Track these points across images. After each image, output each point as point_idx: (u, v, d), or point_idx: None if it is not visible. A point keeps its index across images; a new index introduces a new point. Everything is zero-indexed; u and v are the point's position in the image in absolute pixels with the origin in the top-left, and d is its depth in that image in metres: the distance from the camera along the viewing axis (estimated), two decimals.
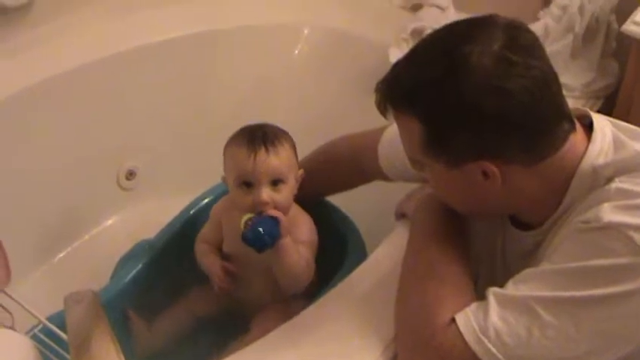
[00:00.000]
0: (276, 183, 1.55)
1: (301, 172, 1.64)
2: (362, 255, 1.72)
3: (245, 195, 1.56)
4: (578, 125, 1.18)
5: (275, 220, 1.51)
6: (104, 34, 2.20)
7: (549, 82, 1.11)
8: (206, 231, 1.76)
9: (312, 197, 1.75)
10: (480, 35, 1.10)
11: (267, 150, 1.54)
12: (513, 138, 1.11)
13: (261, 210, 1.53)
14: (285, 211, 1.57)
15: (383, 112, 1.20)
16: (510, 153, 1.12)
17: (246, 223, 1.52)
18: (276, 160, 1.54)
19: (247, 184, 1.56)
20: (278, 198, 1.55)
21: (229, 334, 1.68)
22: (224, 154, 1.61)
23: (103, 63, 2.14)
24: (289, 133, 1.64)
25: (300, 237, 1.62)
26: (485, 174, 1.14)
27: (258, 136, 1.56)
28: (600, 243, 1.07)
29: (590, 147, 1.15)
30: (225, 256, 1.71)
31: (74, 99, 2.10)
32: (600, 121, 1.20)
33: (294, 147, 1.62)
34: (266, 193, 1.53)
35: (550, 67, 1.13)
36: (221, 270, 1.67)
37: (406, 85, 1.15)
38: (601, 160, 1.14)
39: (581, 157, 1.15)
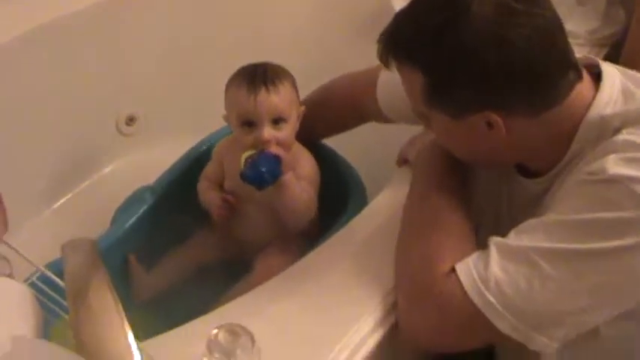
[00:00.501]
0: (277, 121, 1.56)
1: (302, 108, 1.65)
2: (363, 201, 1.71)
3: (247, 134, 1.57)
4: (585, 74, 1.17)
5: (276, 158, 1.53)
6: None
7: (554, 31, 1.09)
8: (209, 169, 1.77)
9: (311, 138, 1.75)
10: None
11: (267, 89, 1.55)
12: (516, 88, 1.09)
13: (263, 148, 1.54)
14: (287, 148, 1.59)
15: (385, 63, 1.19)
16: (514, 103, 1.11)
17: (246, 160, 1.54)
18: (277, 98, 1.55)
19: (249, 124, 1.57)
20: (280, 135, 1.56)
21: (232, 279, 1.67)
22: (225, 93, 1.62)
23: (99, 7, 2.12)
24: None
25: (302, 173, 1.64)
26: (489, 124, 1.13)
27: (258, 75, 1.57)
28: (604, 196, 1.06)
29: (598, 96, 1.14)
30: (227, 194, 1.72)
31: (71, 45, 2.08)
32: (609, 71, 1.18)
33: (295, 85, 1.62)
34: (267, 132, 1.55)
35: (555, 15, 1.11)
36: (220, 200, 1.69)
37: (407, 36, 1.14)
38: (609, 110, 1.13)
39: (589, 106, 1.14)
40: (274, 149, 1.54)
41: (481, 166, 1.35)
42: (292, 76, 1.63)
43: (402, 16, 1.17)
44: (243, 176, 1.52)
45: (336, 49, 2.30)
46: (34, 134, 2.02)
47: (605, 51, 1.95)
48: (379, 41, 1.18)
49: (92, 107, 2.18)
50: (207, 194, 1.73)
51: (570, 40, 1.81)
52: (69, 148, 2.15)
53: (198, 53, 2.32)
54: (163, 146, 2.19)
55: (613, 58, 1.91)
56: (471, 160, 1.30)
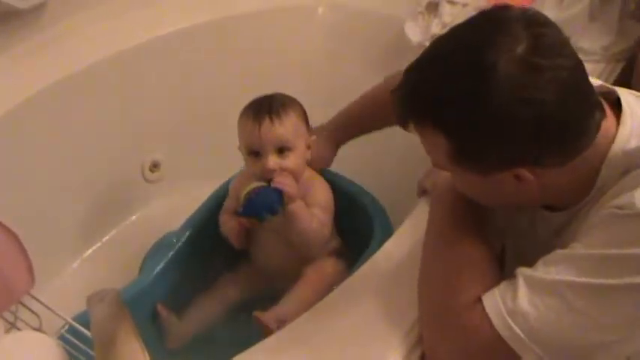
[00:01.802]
0: (282, 150, 1.61)
1: (313, 137, 1.70)
2: (388, 232, 1.70)
3: (254, 163, 1.63)
4: (606, 106, 1.14)
5: (276, 192, 1.57)
6: (116, 29, 2.20)
7: (579, 80, 1.06)
8: (227, 203, 1.81)
9: (354, 135, 1.83)
10: (500, 37, 1.03)
11: (271, 119, 1.60)
12: (548, 144, 1.05)
13: (269, 177, 1.60)
14: (295, 176, 1.63)
15: (403, 125, 1.15)
16: (546, 158, 1.08)
17: (247, 192, 1.59)
18: (281, 128, 1.61)
19: (255, 153, 1.62)
20: (285, 164, 1.62)
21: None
22: (237, 125, 1.66)
23: (118, 58, 2.14)
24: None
25: (314, 199, 1.69)
26: (517, 177, 1.10)
27: (264, 107, 1.63)
28: (635, 231, 1.03)
29: (621, 130, 1.11)
30: None
31: (92, 96, 2.10)
32: (628, 99, 1.16)
33: (302, 114, 1.68)
34: (272, 161, 1.61)
35: (577, 61, 1.07)
36: (236, 224, 1.73)
37: (428, 100, 1.09)
38: (633, 143, 1.11)
39: (612, 141, 1.11)
40: (278, 180, 1.58)
41: (501, 208, 1.34)
42: (301, 106, 1.69)
43: (417, 75, 1.11)
44: (238, 212, 1.61)
45: (350, 80, 2.29)
46: (61, 186, 2.04)
47: (621, 66, 1.93)
48: (394, 101, 1.14)
49: (117, 157, 2.20)
50: (227, 225, 1.77)
51: (585, 57, 1.78)
52: (96, 198, 2.17)
53: (215, 96, 2.33)
54: (187, 190, 2.20)
55: (628, 72, 1.91)
56: (494, 206, 1.29)
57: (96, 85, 2.10)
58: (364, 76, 2.22)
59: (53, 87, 2.00)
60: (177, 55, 2.27)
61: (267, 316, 1.56)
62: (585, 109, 1.07)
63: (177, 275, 1.78)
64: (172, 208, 2.16)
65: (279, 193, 1.57)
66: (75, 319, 1.32)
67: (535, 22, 1.06)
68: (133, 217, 2.28)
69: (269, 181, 1.59)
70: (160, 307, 1.72)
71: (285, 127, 1.61)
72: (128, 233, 2.23)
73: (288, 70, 2.42)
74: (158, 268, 1.76)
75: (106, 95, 2.13)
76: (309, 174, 1.72)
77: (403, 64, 1.15)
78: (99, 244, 2.18)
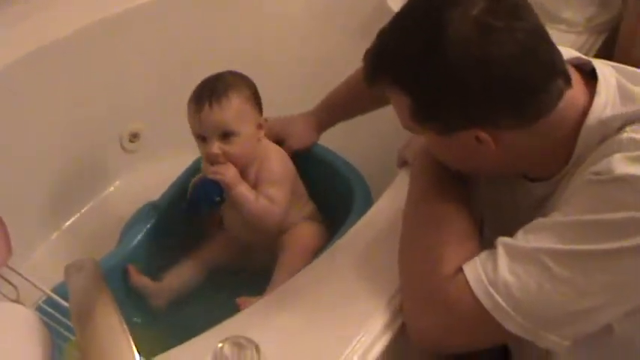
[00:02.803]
0: (226, 136, 1.60)
1: (265, 117, 1.68)
2: (369, 202, 1.70)
3: (202, 148, 1.63)
4: (577, 76, 1.15)
5: (213, 184, 1.60)
6: None
7: (536, 43, 1.07)
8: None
9: (338, 119, 1.83)
10: (458, 1, 1.05)
11: (210, 105, 1.59)
12: (501, 105, 1.08)
13: (214, 162, 1.61)
14: (241, 160, 1.63)
15: (370, 83, 1.18)
16: (500, 119, 1.10)
17: (189, 188, 1.64)
18: (220, 114, 1.59)
19: (202, 138, 1.62)
20: (229, 150, 1.61)
21: (245, 281, 1.72)
22: None
23: (99, 26, 2.11)
24: (249, 79, 1.69)
25: (265, 175, 1.68)
26: (478, 139, 1.12)
27: (205, 91, 1.62)
28: (612, 196, 1.04)
29: (596, 99, 1.12)
30: None
31: (72, 64, 2.07)
32: (603, 70, 1.17)
33: (249, 96, 1.65)
34: (215, 146, 1.60)
35: (537, 25, 1.09)
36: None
37: (389, 58, 1.13)
38: (608, 112, 1.11)
39: (585, 110, 1.12)
40: (213, 170, 1.60)
41: (479, 176, 1.35)
42: (249, 87, 1.66)
43: (384, 36, 1.15)
44: (185, 209, 1.64)
45: (332, 50, 2.29)
46: (37, 157, 2.02)
47: (603, 37, 1.93)
48: (364, 60, 1.17)
49: (95, 126, 2.17)
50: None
51: (568, 28, 1.80)
52: (74, 169, 2.14)
53: (196, 66, 2.27)
54: (167, 161, 2.18)
55: (610, 44, 1.90)
56: (465, 171, 1.29)
57: (72, 55, 2.07)
58: (346, 47, 2.21)
59: (29, 57, 1.97)
60: (156, 24, 2.23)
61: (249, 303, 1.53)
62: (542, 73, 1.08)
63: (156, 245, 1.78)
64: (152, 178, 2.14)
65: (217, 183, 1.58)
66: (53, 290, 1.31)
67: None
68: (112, 188, 2.25)
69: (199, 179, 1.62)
70: (132, 272, 1.72)
71: (225, 113, 1.59)
72: (107, 204, 2.21)
73: (268, 42, 2.40)
74: (136, 239, 1.76)
75: (82, 65, 2.10)
76: (264, 149, 1.70)
77: None
78: (77, 215, 2.15)
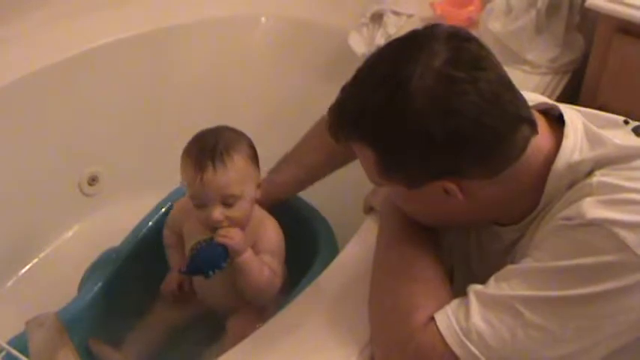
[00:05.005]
0: (229, 199, 1.50)
1: (263, 177, 1.61)
2: (333, 248, 1.69)
3: (200, 212, 1.52)
4: (543, 121, 1.16)
5: (221, 248, 1.49)
6: (56, 38, 2.16)
7: (499, 92, 1.06)
8: (170, 220, 1.74)
9: (321, 176, 1.71)
10: (420, 53, 1.05)
11: (214, 168, 1.47)
12: (466, 156, 1.07)
13: (215, 227, 1.51)
14: (243, 224, 1.54)
15: (335, 138, 1.17)
16: (466, 169, 1.09)
17: (192, 249, 1.53)
18: (225, 178, 1.48)
19: (201, 203, 1.52)
20: (232, 214, 1.51)
21: (205, 340, 1.66)
22: (180, 162, 1.55)
23: (56, 67, 2.09)
24: (246, 135, 1.58)
25: (265, 246, 1.60)
26: (445, 190, 1.11)
27: (206, 152, 1.49)
28: (585, 240, 1.04)
29: (564, 143, 1.12)
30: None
31: (28, 105, 2.05)
32: (570, 114, 1.17)
33: (250, 154, 1.55)
34: (218, 212, 1.50)
35: (499, 74, 1.08)
36: (176, 285, 1.68)
37: (351, 113, 1.12)
38: (576, 157, 1.11)
39: (552, 155, 1.12)
40: (222, 234, 1.50)
41: (448, 228, 1.34)
42: (248, 143, 1.56)
43: (346, 91, 1.14)
44: (184, 272, 1.55)
45: (294, 91, 2.29)
46: None
47: (567, 78, 1.94)
48: (328, 115, 1.16)
49: (52, 169, 2.14)
50: (171, 255, 1.72)
51: (532, 70, 1.81)
52: (29, 214, 2.11)
53: (156, 108, 2.29)
54: (127, 204, 2.15)
55: (575, 84, 1.91)
56: (433, 224, 1.27)
57: (28, 96, 2.05)
58: (308, 87, 2.23)
59: None
60: (114, 65, 2.22)
61: None
62: (507, 122, 1.07)
63: (116, 295, 1.72)
64: (112, 222, 2.11)
65: (224, 248, 1.50)
66: (10, 342, 1.27)
67: (456, 37, 1.08)
68: (71, 233, 2.21)
69: (214, 230, 1.51)
70: (91, 343, 1.65)
71: (230, 177, 1.48)
72: (66, 249, 2.16)
73: (231, 81, 2.38)
74: (97, 287, 1.70)
75: (39, 106, 2.08)
76: (259, 215, 1.62)
77: (347, 75, 1.16)
78: (35, 261, 2.12)
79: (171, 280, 1.68)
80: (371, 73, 1.12)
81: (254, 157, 1.56)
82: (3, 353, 1.24)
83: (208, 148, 1.49)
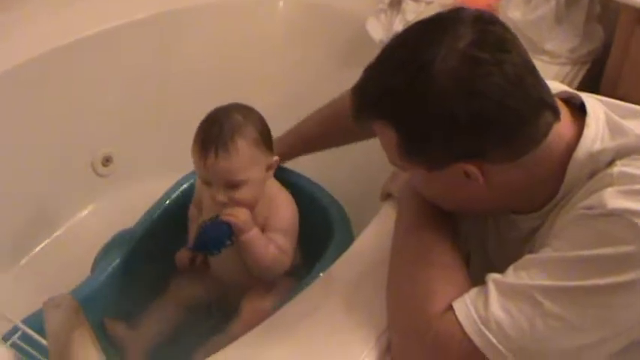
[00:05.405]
0: (233, 184, 1.52)
1: (276, 158, 1.60)
2: (348, 236, 1.67)
3: (207, 191, 1.55)
4: (565, 110, 1.15)
5: (225, 226, 1.51)
6: (66, 19, 2.15)
7: (523, 76, 1.06)
8: (195, 194, 1.75)
9: (304, 152, 1.77)
10: (445, 35, 1.05)
11: (216, 154, 1.48)
12: (489, 138, 1.07)
13: (217, 214, 1.53)
14: (249, 205, 1.55)
15: (356, 120, 1.17)
16: (488, 152, 1.09)
17: (198, 227, 1.56)
18: (227, 165, 1.49)
19: (207, 182, 1.54)
20: (237, 196, 1.53)
21: (220, 320, 1.65)
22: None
23: (70, 49, 2.09)
24: (256, 113, 1.58)
25: (276, 224, 1.61)
26: (466, 174, 1.11)
27: (211, 136, 1.50)
28: (605, 230, 1.03)
29: (585, 132, 1.12)
30: None
31: (44, 85, 2.05)
32: (592, 104, 1.17)
33: (257, 138, 1.54)
34: (222, 194, 1.52)
35: (523, 57, 1.08)
36: (188, 259, 1.67)
37: (374, 94, 1.12)
38: (597, 146, 1.11)
39: (573, 144, 1.12)
40: (227, 212, 1.52)
41: (467, 215, 1.33)
42: (256, 126, 1.55)
43: (369, 72, 1.15)
44: (192, 248, 1.57)
45: (311, 76, 2.28)
46: (8, 179, 1.98)
47: (586, 68, 1.94)
48: (350, 95, 1.16)
49: (67, 149, 2.14)
50: (190, 230, 1.72)
51: (551, 59, 1.80)
52: (44, 193, 2.11)
53: (170, 90, 2.29)
54: (141, 186, 2.16)
55: (594, 74, 1.90)
56: (453, 208, 1.27)
57: (44, 76, 2.04)
58: (325, 72, 2.22)
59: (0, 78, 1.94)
60: (129, 46, 2.21)
61: None
62: (530, 106, 1.07)
63: (131, 275, 1.72)
64: (125, 203, 2.11)
65: (229, 226, 1.52)
66: (24, 322, 1.27)
67: (481, 19, 1.08)
68: (85, 213, 2.22)
69: (216, 216, 1.54)
70: (106, 322, 1.65)
71: (233, 164, 1.49)
72: (80, 229, 2.17)
73: (247, 65, 2.37)
74: (110, 267, 1.70)
75: (54, 87, 2.08)
76: (271, 192, 1.63)
77: (365, 60, 1.16)
78: (48, 241, 2.12)
79: (184, 253, 1.69)
80: (395, 53, 1.12)
81: (262, 139, 1.55)
82: (18, 333, 1.24)
83: (214, 133, 1.50)
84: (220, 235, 1.52)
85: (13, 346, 1.19)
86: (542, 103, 1.09)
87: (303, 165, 1.83)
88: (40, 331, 1.21)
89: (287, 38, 2.38)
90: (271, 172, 1.60)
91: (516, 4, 1.94)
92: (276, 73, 2.35)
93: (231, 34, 2.36)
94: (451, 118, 1.04)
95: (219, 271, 1.70)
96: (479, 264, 1.34)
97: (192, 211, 1.75)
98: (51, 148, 2.09)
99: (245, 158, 1.51)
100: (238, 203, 1.53)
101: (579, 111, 1.16)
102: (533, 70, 1.09)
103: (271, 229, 1.60)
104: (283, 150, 1.72)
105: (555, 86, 1.21)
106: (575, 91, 1.22)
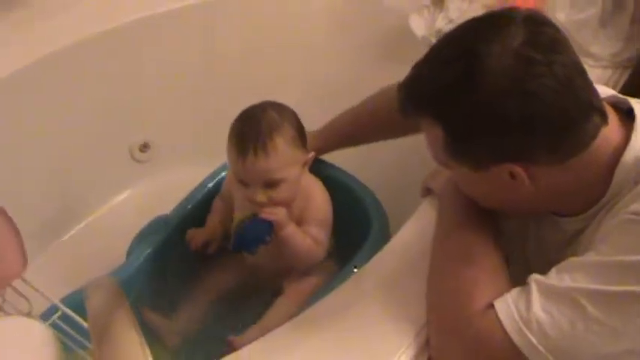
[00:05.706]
0: (272, 183, 1.52)
1: (312, 154, 1.61)
2: (385, 231, 1.68)
3: (244, 192, 1.55)
4: (613, 114, 1.14)
5: (265, 224, 1.52)
6: (108, 6, 2.16)
7: (574, 78, 1.06)
8: (223, 188, 1.76)
9: (339, 147, 1.78)
10: (498, 34, 1.05)
11: (256, 155, 1.48)
12: (538, 139, 1.07)
13: (254, 213, 1.55)
14: (287, 203, 1.56)
15: (404, 115, 1.17)
16: (536, 154, 1.09)
17: (236, 227, 1.56)
18: (266, 165, 1.49)
19: (243, 183, 1.54)
20: (275, 195, 1.53)
21: (256, 307, 1.66)
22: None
23: (111, 35, 2.10)
24: (290, 110, 1.58)
25: (311, 216, 1.62)
26: (512, 175, 1.11)
27: (249, 135, 1.49)
28: None
29: (634, 137, 1.11)
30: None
31: (83, 73, 2.06)
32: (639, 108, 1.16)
33: (294, 135, 1.54)
34: (260, 194, 1.53)
35: (574, 59, 1.08)
36: (201, 243, 1.70)
37: (425, 90, 1.12)
38: None
39: (620, 148, 1.11)
40: (267, 210, 1.53)
41: (509, 215, 1.32)
42: (292, 124, 1.55)
43: (420, 67, 1.14)
44: (233, 248, 1.57)
45: (350, 71, 2.27)
46: (46, 165, 2.00)
47: (628, 72, 1.91)
48: (399, 90, 1.16)
49: (105, 135, 2.16)
50: (210, 218, 1.74)
51: (594, 62, 1.79)
52: (83, 178, 2.13)
53: (212, 79, 2.29)
54: (178, 172, 2.18)
55: (635, 80, 1.88)
56: (497, 209, 1.27)
57: (83, 64, 2.05)
58: (365, 67, 2.21)
59: (40, 64, 1.96)
60: (170, 35, 2.22)
61: (241, 342, 1.46)
62: (579, 109, 1.07)
63: (166, 261, 1.73)
64: (162, 189, 2.13)
65: (269, 223, 1.52)
66: (63, 301, 1.28)
67: (534, 20, 1.08)
68: (121, 198, 2.24)
69: (254, 215, 1.55)
70: (145, 312, 1.65)
71: (271, 163, 1.49)
72: (116, 215, 2.19)
73: (285, 56, 2.37)
74: (145, 254, 1.71)
75: (94, 74, 2.09)
76: (307, 185, 1.63)
77: (405, 56, 1.18)
78: (84, 224, 2.15)
79: (197, 236, 1.70)
80: (445, 50, 1.12)
81: (298, 137, 1.56)
82: (58, 313, 1.24)
83: (252, 132, 1.49)
84: (260, 233, 1.52)
85: (53, 325, 1.19)
86: (591, 106, 1.08)
87: (341, 155, 1.83)
88: (77, 311, 1.23)
89: (327, 30, 2.37)
90: (306, 168, 1.61)
91: (562, 6, 1.93)
92: (314, 64, 2.35)
93: (271, 24, 2.36)
94: (502, 118, 1.04)
95: (253, 260, 1.70)
96: (516, 265, 1.33)
97: (217, 202, 1.76)
98: (90, 134, 2.11)
99: (284, 157, 1.51)
100: (277, 202, 1.53)
101: (627, 116, 1.16)
102: (582, 73, 1.08)
103: (307, 222, 1.61)
104: (318, 145, 1.73)
105: (603, 90, 1.20)
106: (624, 96, 1.21)
